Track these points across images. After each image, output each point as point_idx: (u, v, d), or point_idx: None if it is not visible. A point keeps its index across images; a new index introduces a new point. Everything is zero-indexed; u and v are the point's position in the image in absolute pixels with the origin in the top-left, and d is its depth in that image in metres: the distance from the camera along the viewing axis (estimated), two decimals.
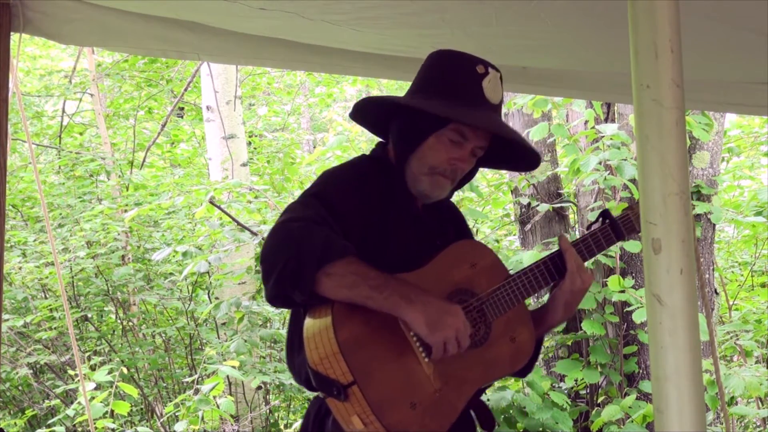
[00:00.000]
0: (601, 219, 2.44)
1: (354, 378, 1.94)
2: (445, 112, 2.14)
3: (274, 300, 2.03)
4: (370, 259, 2.03)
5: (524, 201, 6.26)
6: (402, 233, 2.18)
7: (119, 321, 7.15)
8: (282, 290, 1.97)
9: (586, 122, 5.91)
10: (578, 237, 2.42)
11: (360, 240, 2.06)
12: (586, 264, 2.34)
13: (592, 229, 2.42)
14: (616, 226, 2.41)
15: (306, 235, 1.96)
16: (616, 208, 5.50)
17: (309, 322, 2.02)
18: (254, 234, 6.18)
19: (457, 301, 2.14)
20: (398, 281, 2.01)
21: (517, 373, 2.35)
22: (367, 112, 2.31)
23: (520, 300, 2.24)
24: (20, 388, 6.68)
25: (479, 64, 2.20)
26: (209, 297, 7.11)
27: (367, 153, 2.35)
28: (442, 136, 2.17)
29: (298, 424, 5.49)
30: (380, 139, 2.34)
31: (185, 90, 8.86)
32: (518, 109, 6.32)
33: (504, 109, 6.39)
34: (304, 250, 1.94)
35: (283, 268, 1.94)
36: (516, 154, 2.32)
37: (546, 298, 2.44)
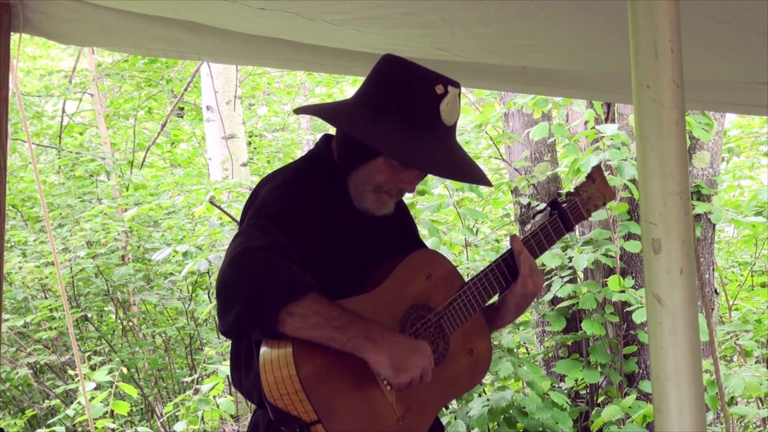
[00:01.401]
0: (548, 210, 2.39)
1: (318, 416, 1.88)
2: (389, 148, 2.02)
3: (228, 334, 1.95)
4: (324, 272, 1.97)
5: (524, 201, 6.25)
6: (352, 241, 2.11)
7: (119, 321, 7.15)
8: (239, 327, 1.87)
9: (586, 122, 5.91)
10: (529, 233, 2.36)
11: (314, 256, 2.00)
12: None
13: (540, 222, 2.37)
14: (564, 217, 2.36)
15: (268, 271, 1.85)
16: (616, 209, 5.51)
17: (266, 354, 1.92)
18: None
19: (414, 317, 2.10)
20: (362, 320, 1.93)
21: None
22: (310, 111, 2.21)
23: (476, 309, 2.20)
24: (20, 388, 6.69)
25: (438, 84, 2.06)
26: (209, 297, 7.11)
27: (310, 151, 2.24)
28: (392, 158, 2.06)
29: None
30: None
31: (185, 90, 8.86)
32: (518, 109, 6.31)
33: (504, 109, 6.39)
34: (268, 288, 1.83)
35: (244, 306, 1.83)
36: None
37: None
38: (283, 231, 1.94)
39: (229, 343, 5.87)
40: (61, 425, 5.35)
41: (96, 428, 5.18)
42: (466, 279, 2.27)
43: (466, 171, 2.14)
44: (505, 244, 7.66)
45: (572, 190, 2.44)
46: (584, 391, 5.88)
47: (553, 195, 6.27)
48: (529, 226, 6.27)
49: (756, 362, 6.21)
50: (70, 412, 5.28)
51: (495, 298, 2.33)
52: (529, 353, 6.31)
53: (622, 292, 5.38)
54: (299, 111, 2.17)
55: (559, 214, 2.37)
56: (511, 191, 6.56)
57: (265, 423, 2.07)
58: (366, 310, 1.99)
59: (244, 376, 2.09)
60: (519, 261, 2.24)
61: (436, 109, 2.05)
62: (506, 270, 2.26)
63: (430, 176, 3.19)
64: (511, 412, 5.18)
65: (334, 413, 1.91)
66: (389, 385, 2.00)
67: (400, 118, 2.04)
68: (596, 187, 2.48)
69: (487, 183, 2.17)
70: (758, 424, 6.30)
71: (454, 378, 2.15)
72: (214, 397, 5.36)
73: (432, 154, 2.04)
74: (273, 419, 1.94)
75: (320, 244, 2.03)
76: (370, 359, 1.93)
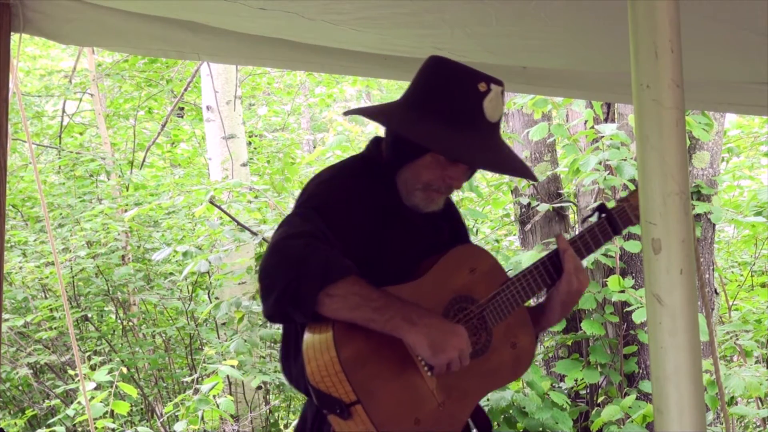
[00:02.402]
0: (597, 213, 2.42)
1: (357, 397, 1.93)
2: (435, 143, 2.08)
3: (272, 318, 2.01)
4: (369, 267, 2.02)
5: (524, 201, 6.26)
6: (399, 238, 2.16)
7: (119, 321, 7.15)
8: (282, 310, 1.94)
9: (585, 122, 5.91)
10: (576, 234, 2.40)
11: (358, 250, 2.04)
12: (584, 262, 2.33)
13: (589, 224, 2.40)
14: (612, 220, 2.39)
15: (308, 255, 1.92)
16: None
17: (309, 338, 1.98)
18: (254, 234, 6.18)
19: (456, 309, 2.13)
20: (400, 302, 1.98)
21: None
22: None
23: (519, 304, 2.23)
24: (20, 388, 6.69)
25: (481, 82, 2.12)
26: (209, 297, 7.11)
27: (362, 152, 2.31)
28: (439, 155, 2.12)
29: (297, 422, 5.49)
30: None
31: (185, 90, 8.86)
32: (518, 109, 6.31)
33: (504, 109, 6.38)
34: (306, 271, 1.90)
35: (284, 289, 1.91)
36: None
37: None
38: (326, 221, 2.02)
39: (228, 342, 5.89)
40: (61, 425, 5.35)
41: (96, 428, 5.18)
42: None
43: (510, 164, 2.21)
44: (509, 245, 7.66)
45: (623, 197, 2.47)
46: (584, 391, 5.88)
47: (554, 195, 6.28)
48: (528, 227, 6.27)
49: (756, 362, 6.21)
50: (70, 412, 5.29)
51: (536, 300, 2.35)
52: None
53: (622, 292, 5.38)
54: (348, 113, 2.25)
55: (608, 217, 2.40)
56: (511, 191, 6.56)
57: (312, 412, 2.14)
58: (407, 298, 2.03)
59: (293, 365, 2.14)
60: (564, 258, 2.27)
61: (479, 106, 2.11)
62: (551, 267, 2.29)
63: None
64: (511, 412, 5.19)
65: (373, 395, 1.95)
66: (429, 370, 2.04)
67: (444, 115, 2.10)
68: (630, 206, 2.49)
69: (533, 177, 2.25)
70: (758, 424, 6.30)
71: (497, 370, 2.18)
72: (214, 396, 5.37)
73: (477, 148, 2.11)
74: (316, 403, 1.99)
75: (364, 237, 2.09)
76: (408, 339, 1.97)
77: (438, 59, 2.21)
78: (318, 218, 2.02)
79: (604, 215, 2.41)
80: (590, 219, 2.44)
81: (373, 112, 2.27)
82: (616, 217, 2.39)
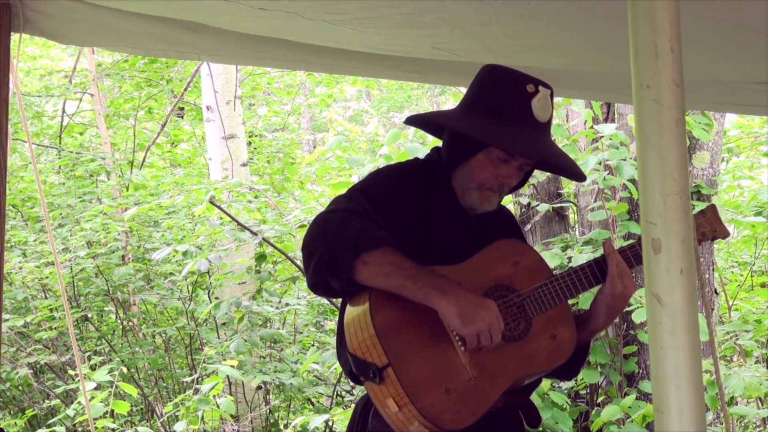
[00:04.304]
0: None
1: (389, 360, 2.01)
2: (487, 136, 2.18)
3: (315, 287, 2.11)
4: (414, 257, 2.08)
5: (524, 201, 6.26)
6: (446, 237, 2.22)
7: (119, 321, 7.15)
8: (321, 277, 2.05)
9: (585, 122, 5.92)
10: (627, 244, 2.44)
11: (403, 238, 2.11)
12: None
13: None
14: None
15: (344, 225, 2.04)
16: (615, 209, 5.51)
17: (349, 310, 2.10)
18: (254, 234, 6.18)
19: (496, 296, 2.18)
20: (433, 273, 2.06)
21: (561, 375, 2.40)
22: (418, 120, 2.36)
23: (562, 300, 2.27)
24: (20, 388, 6.69)
25: (529, 83, 2.24)
26: (209, 297, 7.11)
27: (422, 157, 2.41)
28: (490, 153, 2.21)
29: (298, 422, 5.50)
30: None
31: (185, 90, 8.86)
32: None
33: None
34: (341, 238, 2.01)
35: (321, 256, 2.02)
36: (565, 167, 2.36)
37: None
38: (371, 203, 2.12)
39: (228, 342, 5.89)
40: (61, 425, 5.35)
41: (96, 428, 5.18)
42: None
43: (562, 163, 2.30)
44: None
45: (702, 210, 2.51)
46: (584, 391, 5.89)
47: (554, 195, 6.28)
48: (529, 227, 6.28)
49: (756, 362, 6.21)
50: (70, 412, 5.29)
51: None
52: None
53: None
54: (408, 121, 2.36)
55: None
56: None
57: (361, 405, 2.24)
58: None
59: (343, 350, 2.21)
60: (608, 261, 2.33)
61: (527, 105, 2.22)
62: (597, 270, 2.34)
63: None
64: None
65: (405, 360, 2.03)
66: (462, 344, 2.08)
67: (495, 114, 2.21)
68: (707, 219, 2.55)
69: (582, 177, 2.35)
70: (758, 424, 6.30)
71: (532, 357, 2.22)
72: (214, 396, 5.37)
73: (529, 143, 2.21)
74: (354, 370, 2.08)
75: (410, 227, 2.17)
76: (439, 308, 2.03)
77: (490, 66, 2.32)
78: (363, 198, 2.13)
79: None
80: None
81: (431, 115, 2.38)
82: None
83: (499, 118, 2.20)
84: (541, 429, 5.17)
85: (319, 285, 2.09)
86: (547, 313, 2.24)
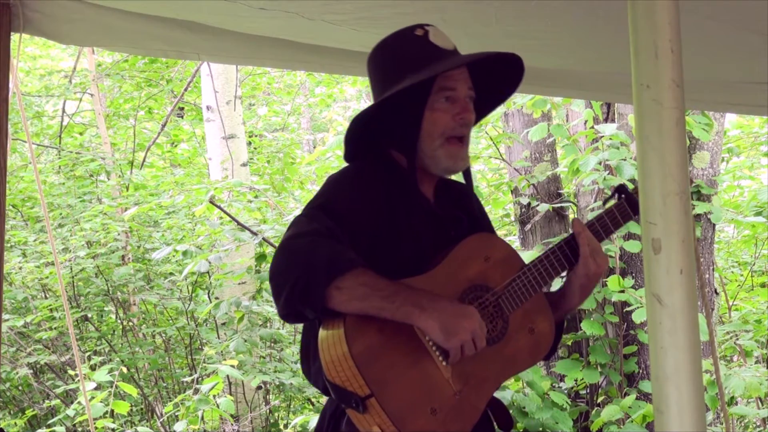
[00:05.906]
0: (616, 195, 2.40)
1: (371, 390, 1.94)
2: (418, 78, 2.13)
3: (287, 317, 2.03)
4: (383, 260, 2.03)
5: (524, 201, 6.26)
6: (414, 229, 2.16)
7: (119, 321, 7.15)
8: (293, 308, 1.97)
9: (585, 122, 5.92)
10: (593, 216, 2.37)
11: (371, 243, 2.05)
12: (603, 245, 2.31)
13: (607, 206, 2.38)
14: (632, 201, 2.36)
15: (312, 250, 1.94)
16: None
17: (323, 335, 2.01)
18: (254, 234, 6.18)
19: (471, 297, 2.12)
20: (409, 289, 1.99)
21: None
22: (359, 139, 2.26)
23: (536, 290, 2.22)
24: (20, 388, 6.69)
25: (415, 29, 2.22)
26: (209, 297, 7.11)
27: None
28: (434, 104, 2.16)
29: (298, 422, 5.50)
30: None
31: (185, 90, 8.86)
32: (518, 109, 6.31)
33: (504, 109, 6.39)
34: (312, 267, 1.92)
35: (292, 286, 1.93)
36: (503, 75, 2.33)
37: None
38: (333, 218, 2.03)
39: (228, 342, 5.89)
40: (61, 425, 5.35)
41: (96, 428, 5.18)
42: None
43: (493, 54, 2.24)
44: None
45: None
46: (584, 391, 5.89)
47: (554, 195, 6.28)
48: (528, 227, 6.28)
49: (756, 362, 6.22)
50: (70, 412, 5.29)
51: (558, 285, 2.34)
52: None
53: (622, 292, 5.38)
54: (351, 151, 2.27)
55: (627, 198, 2.38)
56: (511, 191, 6.56)
57: (331, 410, 2.15)
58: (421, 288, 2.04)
59: (312, 364, 2.16)
60: (579, 241, 2.25)
61: (429, 43, 2.19)
62: (569, 251, 2.27)
63: None
64: (511, 412, 5.18)
65: (387, 387, 1.96)
66: (444, 359, 2.03)
67: (409, 70, 2.16)
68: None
69: (518, 58, 2.28)
70: (758, 424, 6.30)
71: (514, 356, 2.17)
72: (214, 396, 5.37)
73: (455, 61, 2.17)
74: (334, 397, 2.01)
75: (376, 229, 2.09)
76: (419, 325, 1.97)
77: (372, 51, 2.31)
78: (324, 216, 2.03)
79: (623, 196, 2.39)
80: (610, 201, 2.41)
81: (365, 110, 2.28)
82: (635, 198, 2.35)
83: (415, 66, 2.15)
84: (541, 429, 5.17)
85: (290, 315, 2.01)
86: (523, 306, 2.19)
